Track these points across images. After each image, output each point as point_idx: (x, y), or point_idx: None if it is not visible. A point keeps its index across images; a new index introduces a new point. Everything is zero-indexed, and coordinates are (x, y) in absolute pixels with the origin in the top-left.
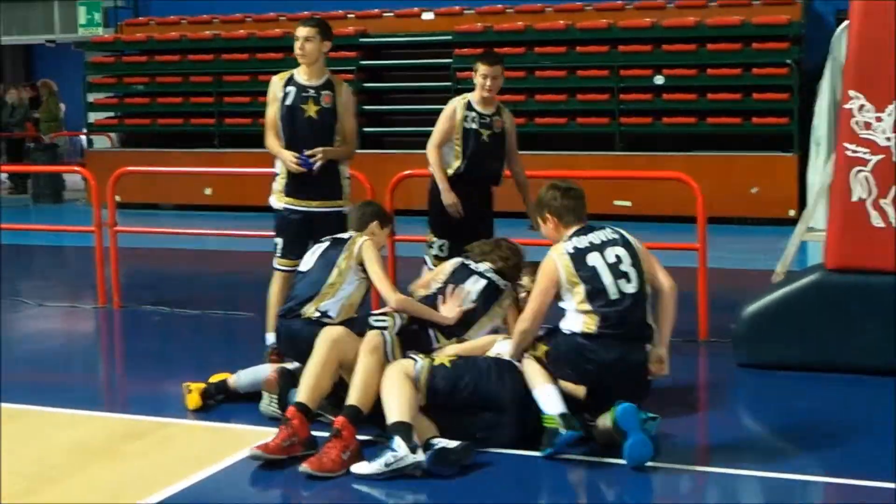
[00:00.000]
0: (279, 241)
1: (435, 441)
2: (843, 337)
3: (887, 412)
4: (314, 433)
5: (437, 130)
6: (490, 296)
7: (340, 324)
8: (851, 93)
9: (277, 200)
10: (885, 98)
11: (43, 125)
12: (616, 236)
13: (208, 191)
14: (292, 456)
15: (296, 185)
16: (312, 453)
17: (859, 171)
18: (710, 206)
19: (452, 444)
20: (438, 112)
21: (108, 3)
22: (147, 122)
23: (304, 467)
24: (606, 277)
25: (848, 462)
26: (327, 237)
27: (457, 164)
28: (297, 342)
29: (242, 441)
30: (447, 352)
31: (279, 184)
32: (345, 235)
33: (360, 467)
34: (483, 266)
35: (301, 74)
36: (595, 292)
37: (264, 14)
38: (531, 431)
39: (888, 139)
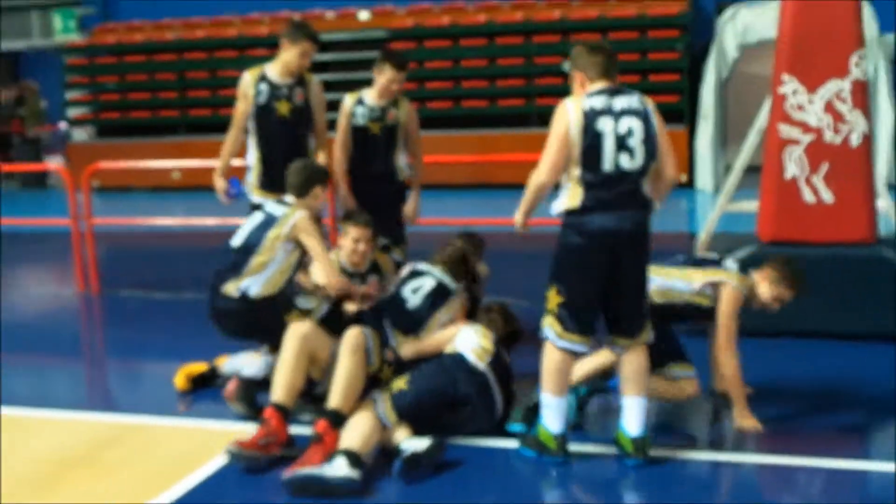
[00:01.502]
0: None
1: (405, 446)
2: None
3: (823, 370)
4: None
5: (338, 128)
6: (439, 295)
7: (262, 300)
8: (784, 76)
9: (252, 193)
10: (816, 81)
11: (27, 121)
12: (639, 107)
13: (176, 175)
14: (272, 456)
15: (269, 178)
16: (291, 454)
17: (791, 150)
18: None
19: (423, 445)
20: None
21: (81, 11)
22: (119, 115)
23: (287, 476)
24: (608, 147)
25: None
26: (260, 211)
27: (348, 161)
28: (222, 320)
29: (224, 442)
30: (398, 380)
31: (252, 176)
32: (278, 210)
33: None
34: (433, 268)
35: (273, 71)
36: (589, 161)
37: (221, 16)
38: (507, 406)
39: (819, 120)
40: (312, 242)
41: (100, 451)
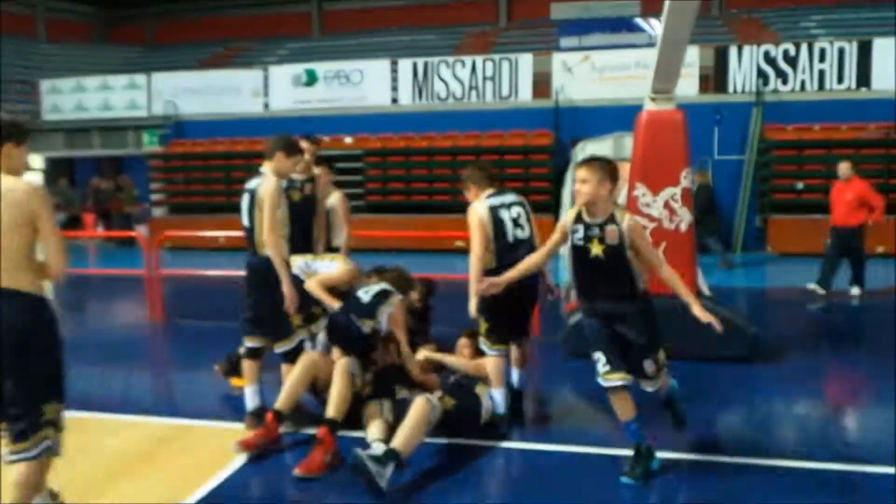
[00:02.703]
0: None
1: (373, 446)
2: None
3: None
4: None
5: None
6: (383, 295)
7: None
8: (637, 184)
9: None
10: (658, 187)
11: (124, 202)
12: (519, 199)
13: (222, 240)
14: (266, 450)
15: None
16: (279, 448)
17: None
18: None
19: (380, 450)
20: (356, 195)
21: (161, 131)
22: (183, 199)
23: (296, 472)
24: (508, 226)
25: None
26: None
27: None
28: (249, 276)
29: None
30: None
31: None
32: (253, 182)
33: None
34: (380, 282)
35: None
36: (498, 237)
37: (254, 137)
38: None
39: (660, 213)
40: (265, 212)
41: (158, 447)
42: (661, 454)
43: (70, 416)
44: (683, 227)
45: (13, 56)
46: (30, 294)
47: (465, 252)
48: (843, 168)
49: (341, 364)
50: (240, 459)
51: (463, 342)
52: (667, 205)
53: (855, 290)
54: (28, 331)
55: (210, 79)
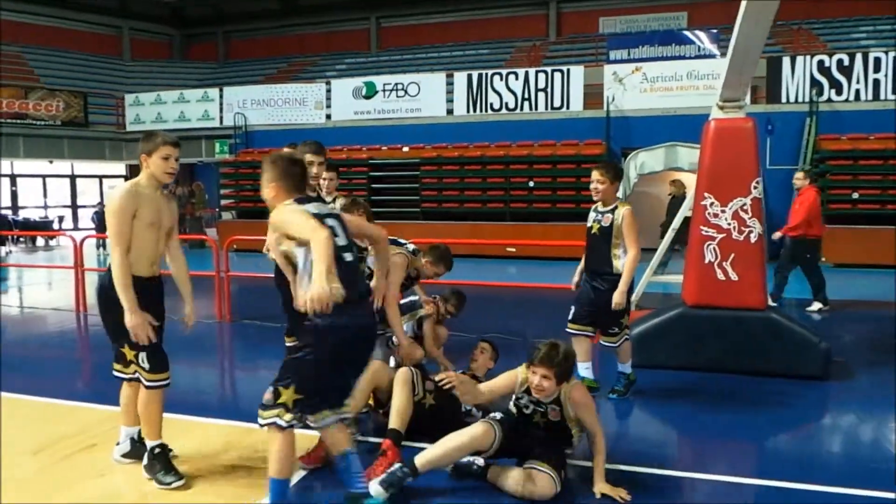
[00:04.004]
0: None
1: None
2: (696, 348)
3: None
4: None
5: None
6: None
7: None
8: (705, 194)
9: None
10: (727, 198)
11: (196, 207)
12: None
13: None
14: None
15: None
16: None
17: (709, 244)
18: (566, 251)
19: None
20: (412, 202)
21: (231, 140)
22: (252, 205)
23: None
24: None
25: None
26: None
27: None
28: None
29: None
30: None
31: None
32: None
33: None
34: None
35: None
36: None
37: None
38: None
39: (728, 224)
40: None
41: (222, 450)
42: (738, 479)
43: None
44: (753, 237)
45: (102, 73)
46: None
47: (516, 258)
48: (796, 178)
49: (402, 374)
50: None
51: (481, 346)
52: (736, 215)
53: (814, 306)
54: None
55: (276, 92)
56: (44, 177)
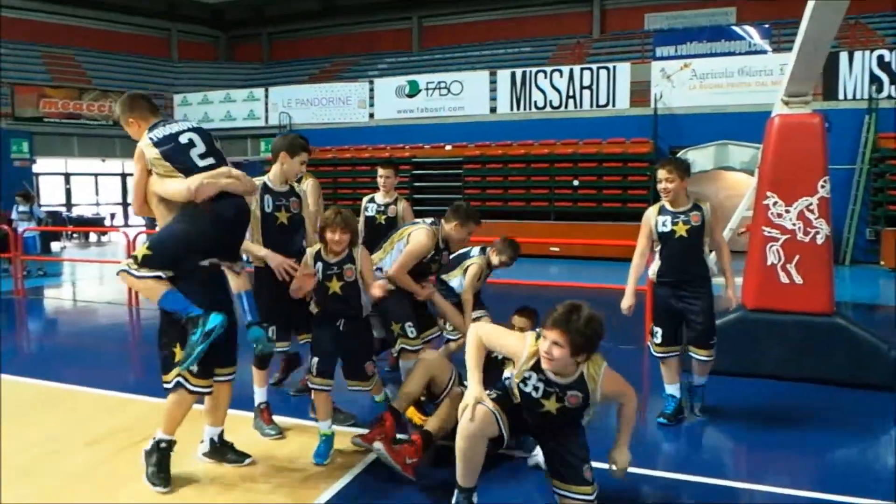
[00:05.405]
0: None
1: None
2: (756, 354)
3: (784, 404)
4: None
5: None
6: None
7: None
8: (768, 193)
9: None
10: (792, 197)
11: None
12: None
13: None
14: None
15: None
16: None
17: (771, 245)
18: (611, 251)
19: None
20: (454, 200)
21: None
22: None
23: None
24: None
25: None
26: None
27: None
28: None
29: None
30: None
31: None
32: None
33: None
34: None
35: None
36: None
37: (360, 145)
38: None
39: (793, 224)
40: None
41: (280, 446)
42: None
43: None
44: (820, 239)
45: (152, 74)
46: None
47: (559, 258)
48: None
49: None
50: (363, 464)
51: (515, 320)
52: (801, 215)
53: None
54: None
55: (320, 91)
56: (96, 175)
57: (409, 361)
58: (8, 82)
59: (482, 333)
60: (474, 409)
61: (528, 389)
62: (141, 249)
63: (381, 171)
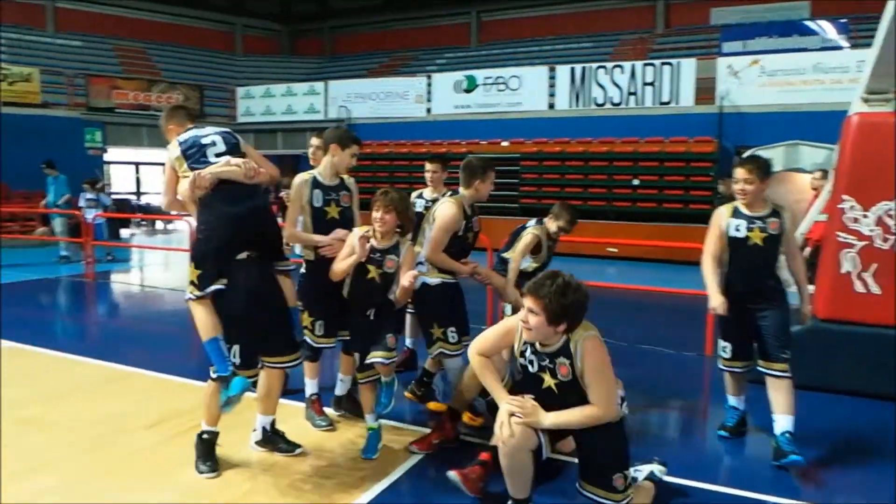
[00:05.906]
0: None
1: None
2: (827, 367)
3: (855, 420)
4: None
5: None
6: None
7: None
8: (844, 196)
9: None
10: (871, 201)
11: None
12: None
13: None
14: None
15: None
16: (453, 446)
17: (847, 251)
18: (671, 253)
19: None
20: (511, 198)
21: None
22: None
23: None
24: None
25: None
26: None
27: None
28: None
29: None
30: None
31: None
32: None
33: None
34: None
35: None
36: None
37: (418, 139)
38: None
39: (871, 230)
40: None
41: (326, 441)
42: None
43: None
44: None
45: (217, 67)
46: None
47: (617, 258)
48: (813, 178)
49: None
50: (413, 459)
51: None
52: (880, 221)
53: None
54: None
55: (378, 85)
56: (164, 165)
57: (454, 361)
58: (84, 74)
59: (477, 348)
60: (510, 425)
61: (526, 363)
62: (190, 272)
63: (428, 166)
